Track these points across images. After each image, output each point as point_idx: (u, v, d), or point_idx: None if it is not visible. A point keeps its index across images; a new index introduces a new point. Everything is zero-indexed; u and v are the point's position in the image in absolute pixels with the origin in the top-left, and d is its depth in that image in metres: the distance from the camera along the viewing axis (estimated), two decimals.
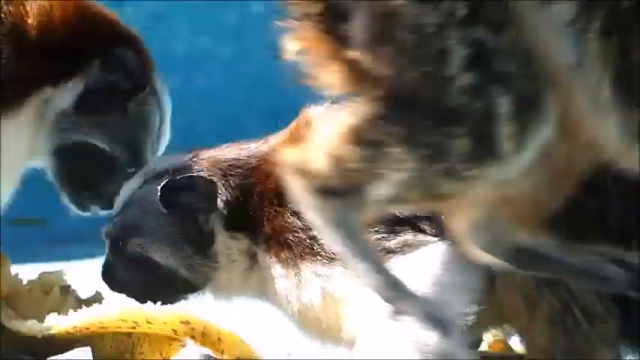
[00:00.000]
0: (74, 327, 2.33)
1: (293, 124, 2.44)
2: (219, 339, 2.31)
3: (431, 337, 2.16)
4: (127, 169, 2.49)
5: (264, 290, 2.37)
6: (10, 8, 2.42)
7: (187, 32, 3.86)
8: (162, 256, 2.32)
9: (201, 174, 2.33)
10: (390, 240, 2.20)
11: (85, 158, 2.47)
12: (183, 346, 2.34)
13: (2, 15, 2.42)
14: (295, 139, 2.37)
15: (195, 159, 2.40)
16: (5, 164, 2.42)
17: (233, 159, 2.37)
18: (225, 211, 2.34)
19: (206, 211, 2.32)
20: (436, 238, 2.20)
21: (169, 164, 2.40)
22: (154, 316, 2.29)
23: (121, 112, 2.46)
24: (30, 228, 2.67)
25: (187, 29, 3.86)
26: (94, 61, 2.45)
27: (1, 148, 2.39)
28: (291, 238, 2.29)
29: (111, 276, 2.40)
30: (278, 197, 2.29)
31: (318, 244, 2.26)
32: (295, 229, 2.28)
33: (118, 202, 2.45)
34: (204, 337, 2.29)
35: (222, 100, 3.85)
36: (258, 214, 2.33)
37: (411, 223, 2.21)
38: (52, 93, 2.43)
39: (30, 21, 2.40)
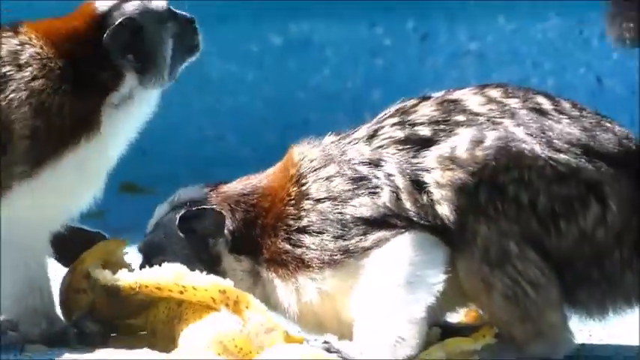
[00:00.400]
0: (135, 282, 2.49)
1: (281, 162, 2.58)
2: (247, 307, 2.45)
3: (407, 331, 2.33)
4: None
5: (268, 301, 2.50)
6: (56, 40, 2.56)
7: (219, 60, 3.90)
8: (195, 245, 2.48)
9: (213, 207, 2.48)
10: (367, 239, 2.34)
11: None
12: (217, 312, 2.44)
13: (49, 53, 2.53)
14: (283, 174, 2.54)
15: (209, 193, 2.54)
16: (82, 183, 2.60)
17: (238, 195, 2.51)
18: (230, 238, 2.49)
19: (214, 237, 2.47)
20: (404, 230, 2.34)
21: (189, 196, 2.55)
22: (199, 284, 2.44)
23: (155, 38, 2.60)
24: (91, 220, 2.77)
25: (219, 58, 3.93)
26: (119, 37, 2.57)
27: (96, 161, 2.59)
28: (285, 257, 2.43)
29: None
30: (273, 229, 2.45)
31: (308, 257, 2.40)
32: (288, 251, 2.42)
33: (150, 223, 2.61)
34: (235, 305, 2.41)
35: (246, 115, 3.96)
36: (259, 242, 2.47)
37: (384, 222, 2.35)
38: (116, 94, 2.59)
39: None
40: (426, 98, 2.40)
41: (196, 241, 2.43)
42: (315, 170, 2.39)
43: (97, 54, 2.54)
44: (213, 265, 2.50)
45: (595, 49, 4.02)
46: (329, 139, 2.45)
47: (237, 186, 2.51)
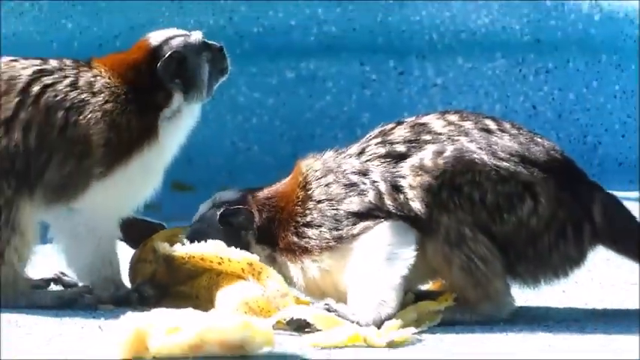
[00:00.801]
0: (186, 253, 2.52)
1: (293, 172, 2.58)
2: (267, 277, 2.45)
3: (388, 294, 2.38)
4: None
5: (285, 275, 2.51)
6: (122, 72, 2.64)
7: (246, 89, 3.89)
8: (230, 234, 2.49)
9: (246, 207, 2.48)
10: (356, 228, 2.36)
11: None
12: (245, 281, 2.46)
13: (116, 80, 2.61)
14: (294, 181, 2.54)
15: (242, 195, 2.54)
16: (144, 182, 2.62)
17: (264, 198, 2.51)
18: (257, 232, 2.50)
19: (246, 230, 2.48)
20: (384, 220, 2.36)
21: (227, 198, 2.55)
22: (233, 257, 2.46)
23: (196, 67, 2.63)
24: (150, 212, 2.78)
25: (246, 88, 3.90)
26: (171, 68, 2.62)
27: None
28: (293, 247, 2.45)
29: None
30: (286, 224, 2.46)
31: (310, 246, 2.43)
32: (295, 242, 2.44)
33: (195, 217, 2.61)
34: (259, 275, 2.44)
35: (267, 132, 3.95)
36: (276, 234, 2.48)
37: (369, 214, 2.37)
38: (168, 110, 2.62)
39: None
40: (400, 123, 2.45)
41: (232, 233, 2.43)
42: (317, 179, 2.42)
43: (151, 79, 2.57)
44: (245, 249, 2.49)
45: (531, 82, 4.02)
46: (328, 154, 2.48)
47: (263, 191, 2.52)
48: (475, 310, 2.38)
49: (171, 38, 2.62)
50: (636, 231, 2.38)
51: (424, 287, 2.53)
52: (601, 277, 2.47)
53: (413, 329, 2.29)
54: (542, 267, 2.38)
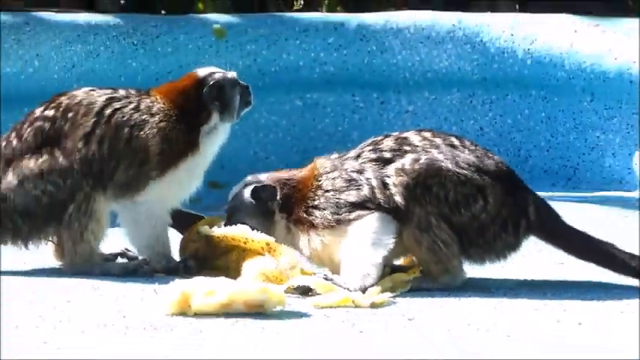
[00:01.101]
0: (221, 234, 2.54)
1: (309, 166, 2.55)
2: (280, 254, 2.45)
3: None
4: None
5: (294, 244, 2.47)
6: (173, 98, 2.64)
7: (267, 114, 3.84)
8: (251, 223, 2.48)
9: (270, 184, 2.46)
10: (352, 215, 2.35)
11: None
12: (263, 256, 2.46)
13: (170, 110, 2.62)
14: (310, 173, 2.52)
15: (269, 177, 2.51)
16: (188, 181, 2.65)
17: (285, 179, 2.48)
18: (279, 203, 2.46)
19: (271, 201, 2.45)
20: (373, 211, 2.35)
21: (256, 179, 2.52)
22: (255, 238, 2.46)
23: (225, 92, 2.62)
24: (192, 205, 2.79)
25: (266, 112, 3.85)
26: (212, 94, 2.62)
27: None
28: (303, 221, 2.43)
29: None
30: (300, 203, 2.43)
31: (316, 223, 2.42)
32: (305, 218, 2.43)
33: (230, 195, 2.57)
34: (274, 252, 2.44)
35: (282, 145, 3.96)
36: (292, 209, 2.45)
37: (363, 205, 2.35)
38: (207, 126, 2.64)
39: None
40: (387, 136, 2.45)
41: (261, 204, 2.45)
42: (327, 173, 2.43)
43: (196, 102, 2.59)
44: (269, 219, 2.50)
45: (479, 110, 3.98)
46: (335, 156, 2.49)
47: (284, 174, 2.52)
48: (436, 280, 2.38)
49: (213, 72, 2.63)
50: (559, 225, 2.42)
51: (398, 262, 2.49)
52: (533, 259, 2.46)
53: (389, 294, 2.30)
54: (488, 251, 2.40)
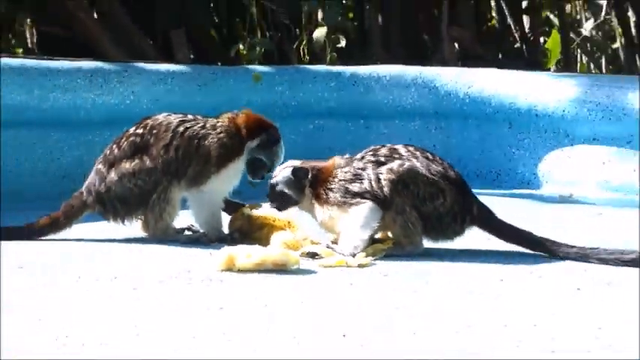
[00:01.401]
0: (258, 215, 2.53)
1: (330, 160, 2.48)
2: (296, 229, 2.45)
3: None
4: (269, 169, 2.57)
5: (312, 212, 2.43)
6: (237, 121, 2.58)
7: (287, 134, 3.85)
8: (289, 192, 2.41)
9: (305, 167, 2.42)
10: (353, 200, 2.31)
11: (254, 163, 2.58)
12: (284, 230, 2.45)
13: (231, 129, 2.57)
14: (331, 165, 2.44)
15: (303, 162, 2.44)
16: (222, 196, 2.61)
17: (314, 166, 2.43)
18: (309, 181, 2.40)
19: (304, 179, 2.39)
20: (368, 201, 2.31)
21: (292, 164, 2.46)
22: (280, 217, 2.47)
23: (269, 150, 2.56)
24: (235, 195, 2.81)
25: (287, 133, 3.83)
26: (261, 134, 2.55)
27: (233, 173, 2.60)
28: (320, 197, 2.38)
29: (271, 198, 2.48)
30: (321, 184, 2.38)
31: (329, 200, 2.36)
32: (323, 194, 2.37)
33: (276, 171, 2.51)
34: (292, 228, 2.45)
35: (295, 157, 3.90)
36: (316, 186, 2.39)
37: (362, 195, 2.31)
38: (248, 150, 2.54)
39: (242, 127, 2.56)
40: (383, 146, 2.41)
41: (296, 180, 2.41)
42: (341, 167, 2.39)
43: (249, 132, 2.58)
44: (301, 191, 2.44)
45: (433, 133, 3.95)
46: (347, 156, 2.46)
47: (314, 163, 2.46)
48: (404, 249, 2.35)
49: (271, 130, 2.65)
50: (492, 220, 2.38)
51: (377, 236, 2.44)
52: (474, 239, 2.45)
53: (371, 258, 2.28)
54: (441, 234, 2.37)
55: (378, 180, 2.33)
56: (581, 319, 1.59)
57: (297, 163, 2.49)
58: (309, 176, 2.43)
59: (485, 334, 1.47)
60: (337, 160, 2.46)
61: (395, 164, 2.33)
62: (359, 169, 2.37)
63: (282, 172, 2.48)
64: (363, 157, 2.41)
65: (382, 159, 2.37)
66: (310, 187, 2.44)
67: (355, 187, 2.35)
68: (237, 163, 2.57)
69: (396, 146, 2.41)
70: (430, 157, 2.39)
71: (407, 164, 2.33)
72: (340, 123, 3.95)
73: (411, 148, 2.39)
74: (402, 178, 2.31)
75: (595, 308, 1.70)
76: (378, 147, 2.43)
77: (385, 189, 2.32)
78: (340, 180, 2.38)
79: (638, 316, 1.54)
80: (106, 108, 3.57)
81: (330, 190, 2.39)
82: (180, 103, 3.52)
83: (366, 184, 2.34)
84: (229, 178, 2.58)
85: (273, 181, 2.48)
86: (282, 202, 2.47)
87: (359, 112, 3.99)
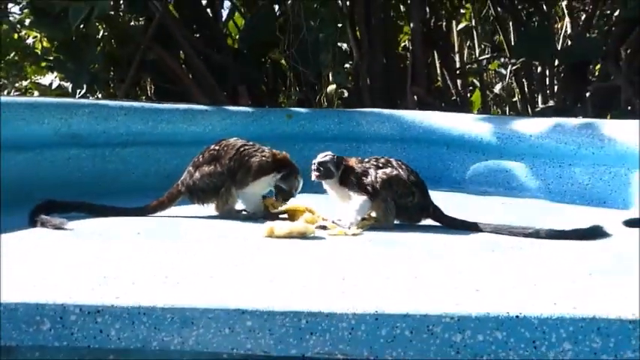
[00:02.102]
0: (287, 207, 2.45)
1: (351, 159, 2.37)
2: (313, 212, 2.38)
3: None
4: (289, 193, 2.47)
5: (333, 187, 2.36)
6: (275, 158, 2.46)
7: (305, 154, 3.90)
8: (332, 168, 2.29)
9: (336, 157, 2.32)
10: (358, 191, 2.26)
11: (278, 188, 2.46)
12: (304, 213, 2.37)
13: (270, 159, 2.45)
14: (352, 161, 2.34)
15: (337, 155, 2.35)
16: (258, 194, 2.52)
17: (344, 159, 2.34)
18: (340, 168, 2.31)
19: (339, 165, 2.30)
20: (364, 195, 2.25)
21: (330, 154, 2.35)
22: (302, 205, 2.41)
23: (288, 180, 2.46)
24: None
25: (305, 155, 3.79)
26: (283, 170, 2.44)
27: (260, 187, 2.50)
28: (343, 181, 2.31)
29: (317, 170, 2.33)
30: (347, 172, 2.30)
31: (347, 182, 2.29)
32: (344, 180, 2.30)
33: (319, 156, 2.34)
34: (312, 212, 2.37)
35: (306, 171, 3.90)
36: (343, 173, 2.31)
37: (365, 188, 2.25)
38: (274, 176, 2.43)
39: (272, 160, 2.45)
40: (382, 157, 2.34)
41: (338, 161, 2.31)
42: (358, 164, 2.32)
43: (278, 164, 2.49)
44: (337, 170, 2.32)
45: (399, 152, 3.81)
46: (359, 158, 2.38)
47: (342, 157, 2.36)
48: (381, 225, 2.28)
49: (291, 168, 2.52)
50: (442, 215, 2.30)
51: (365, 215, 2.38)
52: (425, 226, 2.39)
53: (361, 230, 2.22)
54: (407, 219, 2.31)
55: (376, 178, 2.26)
56: (495, 271, 1.56)
57: (331, 153, 2.39)
58: (339, 165, 2.34)
59: (431, 280, 1.45)
60: (355, 160, 2.37)
61: (387, 170, 2.26)
62: (367, 168, 2.29)
63: (326, 155, 2.36)
64: (368, 161, 2.33)
65: (380, 165, 2.29)
66: (340, 171, 2.34)
67: (363, 180, 2.27)
68: (265, 180, 2.47)
69: (391, 159, 2.34)
70: (410, 170, 2.32)
71: (395, 172, 2.26)
72: (340, 145, 3.92)
73: (399, 162, 2.33)
74: (389, 179, 2.25)
75: (501, 263, 1.66)
76: (379, 157, 2.35)
77: (378, 184, 2.26)
78: (357, 172, 2.30)
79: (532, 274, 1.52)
80: (193, 134, 3.62)
81: (351, 178, 2.31)
82: (240, 132, 3.49)
83: (370, 179, 2.26)
84: (260, 187, 2.48)
85: (321, 160, 2.35)
86: (324, 173, 2.34)
87: (352, 138, 3.98)
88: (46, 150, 3.10)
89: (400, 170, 2.30)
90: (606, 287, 1.25)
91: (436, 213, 2.31)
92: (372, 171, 2.30)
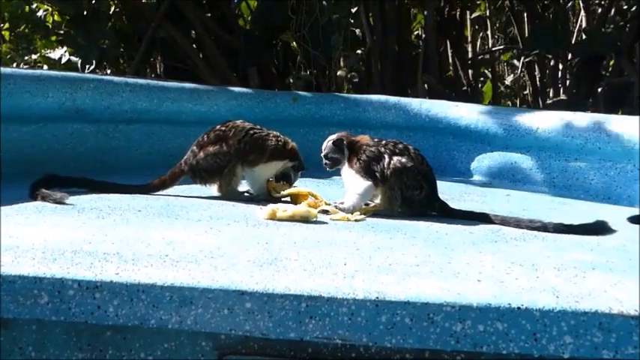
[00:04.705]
0: (290, 191, 2.43)
1: (361, 136, 2.37)
2: (316, 196, 2.37)
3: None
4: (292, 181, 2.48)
5: (342, 169, 2.34)
6: (287, 146, 2.49)
7: (311, 136, 3.79)
8: (336, 155, 2.32)
9: (340, 136, 2.32)
10: (365, 174, 2.24)
11: (286, 175, 2.49)
12: (307, 197, 2.35)
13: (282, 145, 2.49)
14: (362, 139, 2.33)
15: (343, 135, 2.36)
16: (267, 176, 2.51)
17: (351, 138, 2.34)
18: (347, 147, 2.30)
19: (341, 145, 2.30)
20: (370, 181, 2.24)
21: (332, 137, 2.36)
22: (304, 190, 2.40)
23: (296, 170, 2.51)
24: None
25: (311, 136, 3.74)
26: (296, 160, 2.48)
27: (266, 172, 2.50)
28: (351, 161, 2.29)
29: (326, 161, 2.36)
30: (354, 151, 2.28)
31: (353, 165, 2.27)
32: (352, 159, 2.28)
33: (326, 141, 2.38)
34: (316, 197, 2.35)
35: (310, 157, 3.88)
36: (350, 152, 2.30)
37: (373, 173, 2.24)
38: (285, 163, 2.45)
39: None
40: (401, 142, 2.32)
41: (337, 146, 2.31)
42: (369, 145, 2.29)
43: (288, 153, 2.52)
44: (343, 153, 2.32)
45: (403, 139, 3.89)
46: (376, 139, 2.34)
47: (352, 136, 2.36)
48: (387, 212, 2.26)
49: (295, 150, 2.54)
50: (447, 208, 2.28)
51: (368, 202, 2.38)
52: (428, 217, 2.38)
53: (363, 216, 2.22)
54: (411, 211, 2.24)
55: (389, 164, 2.22)
56: (497, 262, 1.55)
57: (334, 135, 2.38)
58: (345, 142, 2.33)
59: (432, 268, 1.43)
60: (367, 138, 2.34)
61: (403, 159, 2.21)
62: (381, 152, 2.25)
63: (327, 144, 2.36)
64: (386, 144, 2.28)
65: (397, 151, 2.24)
66: (348, 149, 2.33)
67: (372, 165, 2.24)
68: (277, 164, 2.49)
69: (409, 146, 2.30)
70: (425, 163, 2.28)
71: (410, 163, 2.22)
72: (345, 130, 3.87)
73: (416, 151, 2.29)
74: (403, 169, 2.21)
75: (503, 253, 1.65)
76: (397, 142, 2.31)
77: (389, 171, 2.22)
78: (368, 155, 2.25)
79: (533, 262, 1.51)
80: (199, 113, 3.60)
81: (358, 159, 2.27)
82: (246, 113, 3.49)
83: (382, 165, 2.23)
84: (269, 169, 2.49)
85: (324, 152, 2.36)
86: (333, 162, 2.35)
87: (358, 124, 3.94)
88: (50, 124, 3.10)
89: (416, 162, 2.25)
90: (609, 282, 1.23)
91: (442, 209, 2.26)
92: (386, 157, 2.24)
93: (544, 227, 2.04)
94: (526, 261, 1.49)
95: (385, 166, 2.22)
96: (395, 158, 2.22)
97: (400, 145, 2.28)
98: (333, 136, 2.37)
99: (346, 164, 2.32)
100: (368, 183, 2.24)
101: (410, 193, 2.21)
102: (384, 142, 2.30)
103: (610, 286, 1.21)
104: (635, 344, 1.01)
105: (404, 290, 1.11)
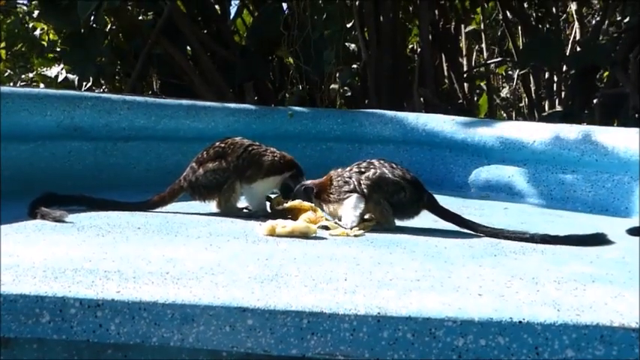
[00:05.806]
0: (291, 204, 2.40)
1: (328, 174, 2.40)
2: (316, 211, 2.36)
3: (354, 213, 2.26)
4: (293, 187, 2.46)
5: (321, 208, 2.36)
6: (283, 160, 2.50)
7: (309, 151, 3.84)
8: (305, 196, 2.37)
9: (311, 186, 2.35)
10: (345, 195, 2.26)
11: (285, 186, 2.47)
12: (307, 212, 2.34)
13: (278, 159, 2.49)
14: (328, 177, 2.36)
15: (311, 182, 2.39)
16: (265, 192, 2.53)
17: (317, 183, 2.36)
18: (315, 193, 2.35)
19: (311, 194, 2.35)
20: (354, 193, 2.25)
21: (305, 183, 2.39)
22: (306, 205, 2.37)
23: (295, 180, 2.49)
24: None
25: (308, 151, 3.80)
26: (293, 169, 2.48)
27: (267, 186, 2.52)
28: (325, 199, 2.34)
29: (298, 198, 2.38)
30: (323, 191, 2.33)
31: (331, 199, 2.31)
32: (326, 197, 2.33)
33: (295, 189, 2.43)
34: (315, 211, 2.35)
35: (310, 172, 3.89)
36: (320, 194, 2.34)
37: (350, 192, 2.26)
38: (283, 176, 2.46)
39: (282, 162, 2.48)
40: (364, 161, 2.32)
41: (307, 193, 2.35)
42: (336, 177, 2.31)
43: (286, 166, 2.54)
44: (311, 198, 2.38)
45: (401, 154, 3.85)
46: (339, 169, 2.36)
47: (317, 181, 2.38)
48: (382, 226, 2.27)
49: (296, 163, 2.56)
50: (437, 206, 2.30)
51: (366, 216, 2.37)
52: (427, 223, 2.39)
53: (362, 231, 2.23)
54: (406, 215, 2.28)
55: (360, 184, 2.25)
56: (497, 275, 1.55)
57: (308, 182, 2.43)
58: (315, 191, 2.38)
59: (433, 283, 1.44)
60: (332, 172, 2.39)
61: (370, 173, 2.24)
62: (347, 177, 2.29)
63: (299, 188, 2.42)
64: (350, 169, 2.32)
65: (362, 169, 2.28)
66: (316, 197, 2.38)
67: (344, 188, 2.28)
68: (274, 178, 2.51)
69: (373, 160, 2.32)
70: (394, 166, 2.30)
71: (378, 172, 2.24)
72: (343, 145, 3.93)
73: (382, 161, 2.31)
74: (375, 182, 2.24)
75: (503, 267, 1.66)
76: (360, 162, 2.34)
77: (365, 190, 2.25)
78: (335, 185, 2.31)
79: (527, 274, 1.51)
80: (197, 130, 3.62)
81: (330, 194, 2.33)
82: (243, 129, 3.51)
83: (351, 186, 2.26)
84: (267, 184, 2.51)
85: (295, 191, 2.43)
86: (303, 199, 2.40)
87: (355, 139, 3.97)
88: (48, 142, 3.12)
89: (384, 169, 2.27)
90: (610, 295, 1.24)
91: (431, 202, 2.29)
92: (354, 179, 2.28)
93: (531, 238, 2.06)
94: (526, 274, 1.49)
95: (356, 185, 2.25)
96: (363, 176, 2.26)
97: (363, 164, 2.32)
98: (304, 184, 2.41)
99: (323, 206, 2.38)
100: (352, 195, 2.26)
101: (395, 198, 2.24)
102: (347, 168, 2.35)
103: (610, 298, 1.21)
104: (636, 356, 1.01)
105: (405, 305, 1.11)
